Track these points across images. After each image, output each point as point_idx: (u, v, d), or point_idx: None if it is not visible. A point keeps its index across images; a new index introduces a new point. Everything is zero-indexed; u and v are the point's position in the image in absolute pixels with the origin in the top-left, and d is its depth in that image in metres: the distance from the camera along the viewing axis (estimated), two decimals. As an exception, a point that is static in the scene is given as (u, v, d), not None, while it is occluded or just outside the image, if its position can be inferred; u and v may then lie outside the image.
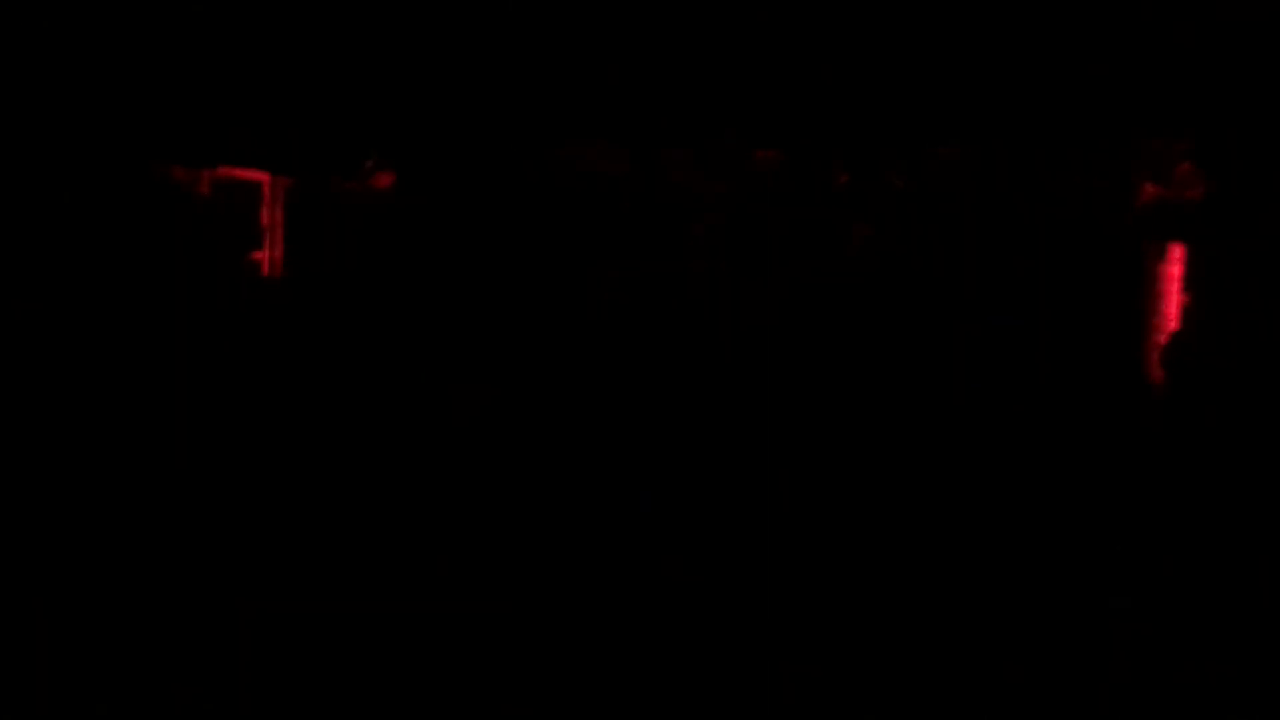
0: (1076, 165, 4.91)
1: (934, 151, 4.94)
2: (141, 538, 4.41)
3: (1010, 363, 4.86)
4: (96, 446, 4.66)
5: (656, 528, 4.50)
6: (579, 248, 5.00)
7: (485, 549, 4.42)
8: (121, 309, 4.91)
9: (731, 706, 3.69)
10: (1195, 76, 4.80)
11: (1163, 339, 4.83)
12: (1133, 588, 4.29)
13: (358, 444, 4.79)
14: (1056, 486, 4.63)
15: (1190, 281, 4.80)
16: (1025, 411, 4.80)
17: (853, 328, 4.91)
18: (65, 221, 4.92)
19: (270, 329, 4.99)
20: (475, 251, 5.02)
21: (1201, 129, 4.83)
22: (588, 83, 4.94)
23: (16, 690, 3.61)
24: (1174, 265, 4.81)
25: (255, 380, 4.90)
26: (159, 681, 3.72)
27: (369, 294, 5.00)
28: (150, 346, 4.90)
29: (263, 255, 5.02)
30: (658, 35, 4.91)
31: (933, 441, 4.78)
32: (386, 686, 3.70)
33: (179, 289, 4.93)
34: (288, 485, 4.66)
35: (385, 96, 4.99)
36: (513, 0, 4.95)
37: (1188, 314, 4.80)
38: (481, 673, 3.75)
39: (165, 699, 3.66)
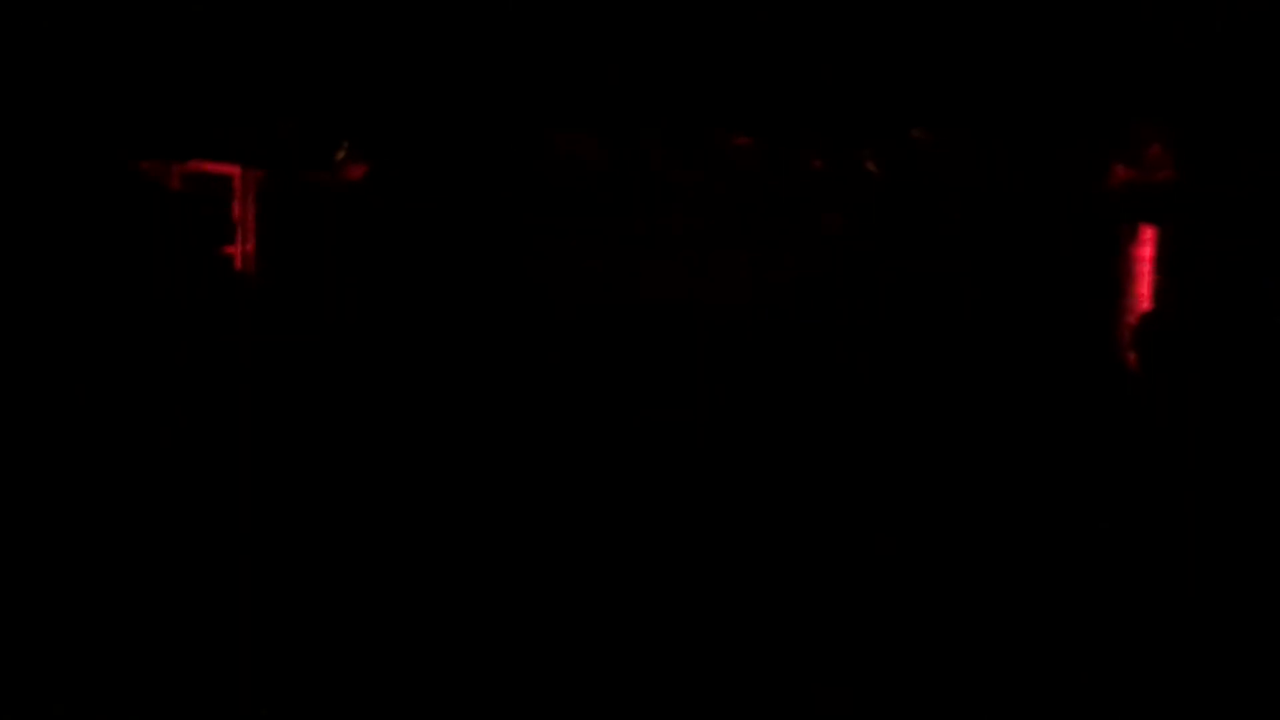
0: (1049, 148, 4.93)
1: (908, 136, 4.95)
2: (111, 537, 4.38)
3: (983, 345, 4.89)
4: (62, 445, 4.62)
5: (627, 523, 4.50)
6: (555, 238, 4.98)
7: (463, 549, 4.42)
8: (90, 305, 4.86)
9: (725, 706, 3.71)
10: (1166, 59, 4.83)
11: (1134, 320, 4.88)
12: (1109, 571, 4.34)
13: (333, 440, 4.77)
14: (1030, 468, 4.67)
15: (1161, 263, 4.84)
16: (999, 394, 4.83)
17: (830, 313, 4.93)
18: (30, 216, 4.85)
19: (243, 323, 4.95)
20: (450, 242, 4.99)
21: (1172, 111, 4.87)
22: (563, 72, 4.91)
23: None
24: (1145, 247, 4.86)
25: (228, 376, 4.86)
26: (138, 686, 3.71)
27: (343, 286, 4.96)
28: (120, 342, 4.85)
29: (235, 249, 4.97)
30: (633, 23, 4.88)
31: (908, 425, 4.80)
32: (382, 687, 3.70)
33: (149, 284, 4.88)
34: (261, 483, 4.64)
35: (357, 87, 4.94)
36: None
37: (1159, 295, 4.84)
38: (479, 673, 3.76)
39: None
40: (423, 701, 3.67)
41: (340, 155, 5.00)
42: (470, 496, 4.59)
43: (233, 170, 4.96)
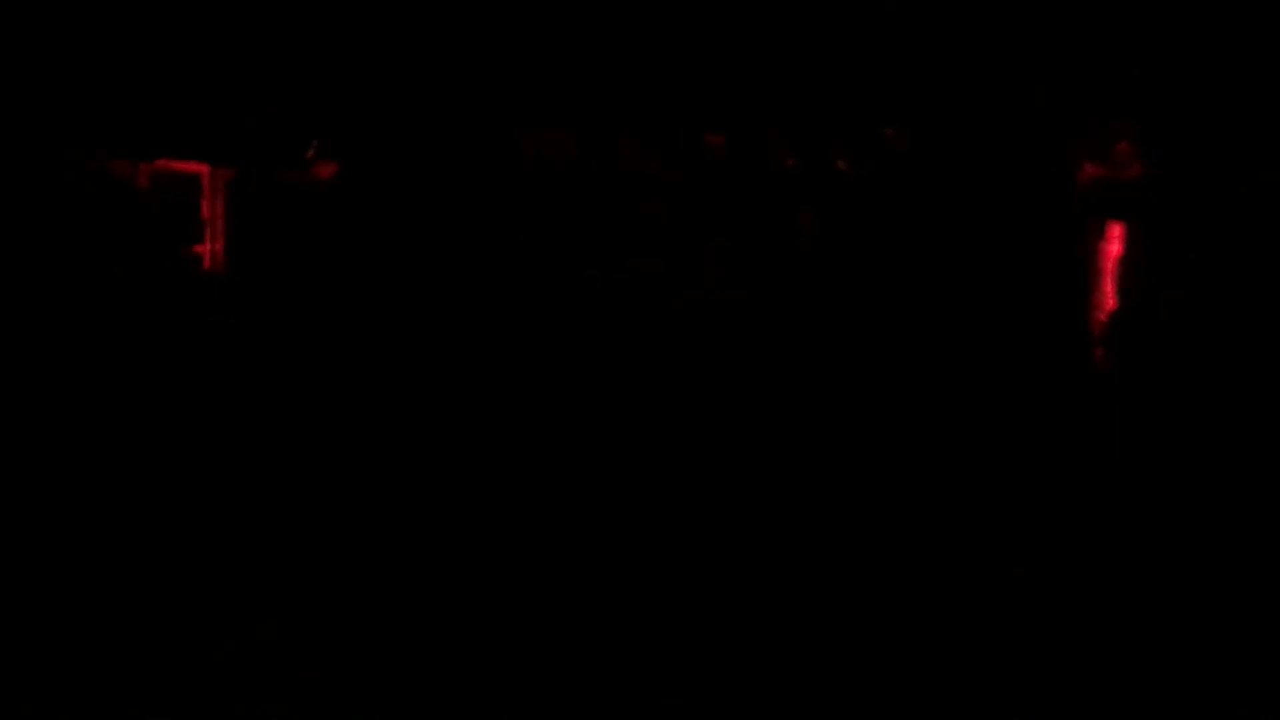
0: (1017, 145, 4.95)
1: (879, 134, 4.96)
2: (75, 536, 4.36)
3: (954, 342, 4.91)
4: (27, 445, 4.58)
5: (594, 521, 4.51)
6: (526, 235, 4.96)
7: (436, 546, 4.41)
8: (57, 305, 4.81)
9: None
10: (1133, 56, 4.86)
11: (1103, 316, 4.91)
12: (1073, 567, 4.37)
13: (303, 438, 4.75)
14: (999, 464, 4.70)
15: (1130, 260, 4.88)
16: (968, 390, 4.85)
17: (802, 310, 4.94)
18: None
19: (212, 322, 4.91)
20: (421, 240, 4.97)
21: (1139, 108, 4.90)
22: (534, 69, 4.89)
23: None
24: (1113, 243, 4.89)
25: (198, 375, 4.83)
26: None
27: (313, 285, 4.93)
28: (87, 342, 4.81)
29: (204, 248, 4.93)
30: (605, 20, 4.87)
31: (879, 420, 4.82)
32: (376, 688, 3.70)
33: (117, 283, 4.84)
34: (229, 480, 4.62)
35: (326, 84, 4.91)
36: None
37: (1127, 291, 4.88)
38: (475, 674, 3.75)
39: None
40: (406, 698, 3.67)
41: (310, 154, 4.96)
42: (443, 495, 4.58)
43: (201, 169, 4.92)
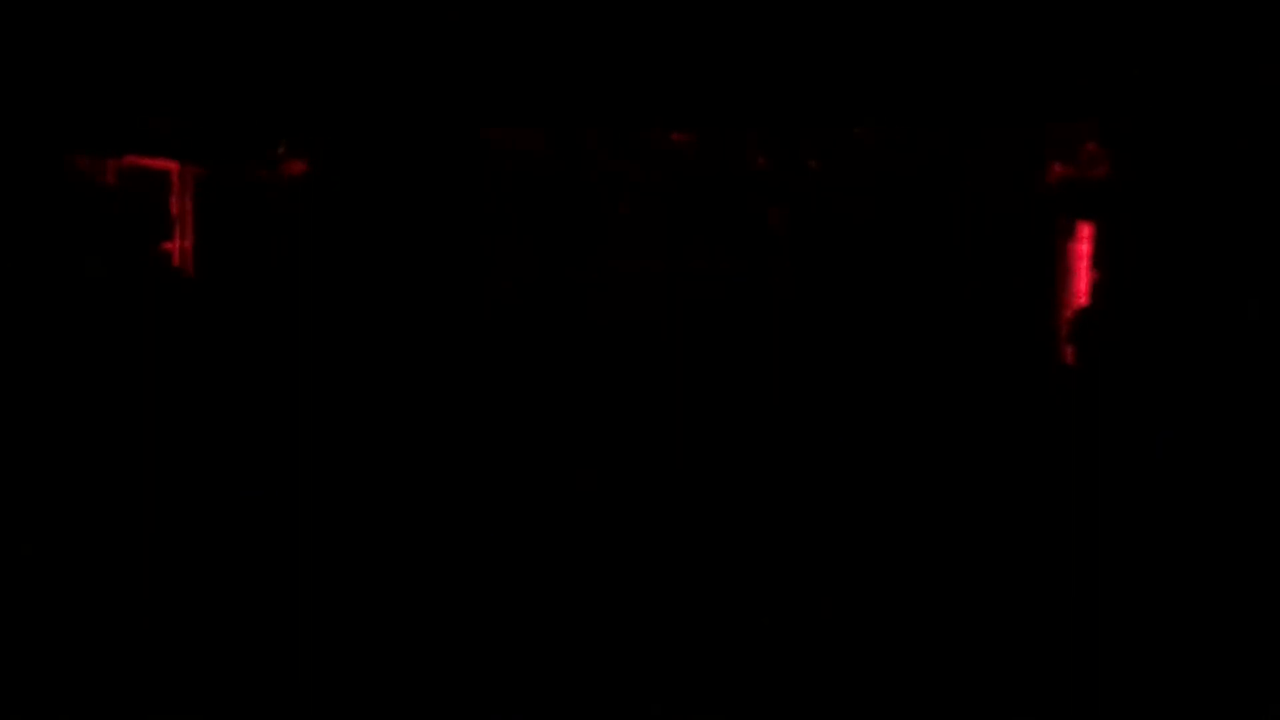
0: (987, 145, 4.98)
1: (848, 133, 4.98)
2: (45, 535, 4.31)
3: (923, 341, 4.93)
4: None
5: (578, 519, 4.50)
6: (497, 233, 4.96)
7: (410, 544, 4.39)
8: (24, 301, 4.77)
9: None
10: (1099, 57, 4.90)
11: (1071, 314, 4.94)
12: (1044, 563, 4.39)
13: (271, 434, 4.72)
14: (968, 462, 4.72)
15: (1098, 258, 4.91)
16: (938, 388, 4.87)
17: (771, 310, 4.95)
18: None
19: (182, 318, 4.88)
20: (392, 238, 4.95)
21: (1105, 109, 4.94)
22: (505, 68, 4.89)
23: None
24: (1082, 243, 4.93)
25: (167, 371, 4.79)
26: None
27: (283, 282, 4.91)
28: (56, 338, 4.76)
29: (173, 246, 4.90)
30: (575, 16, 4.87)
31: (849, 417, 4.83)
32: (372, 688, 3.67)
33: (86, 282, 4.80)
34: (197, 477, 4.59)
35: (296, 81, 4.88)
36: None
37: (1096, 290, 4.91)
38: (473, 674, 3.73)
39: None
40: (406, 698, 3.65)
41: (279, 151, 4.94)
42: (417, 491, 4.56)
43: (171, 166, 4.89)
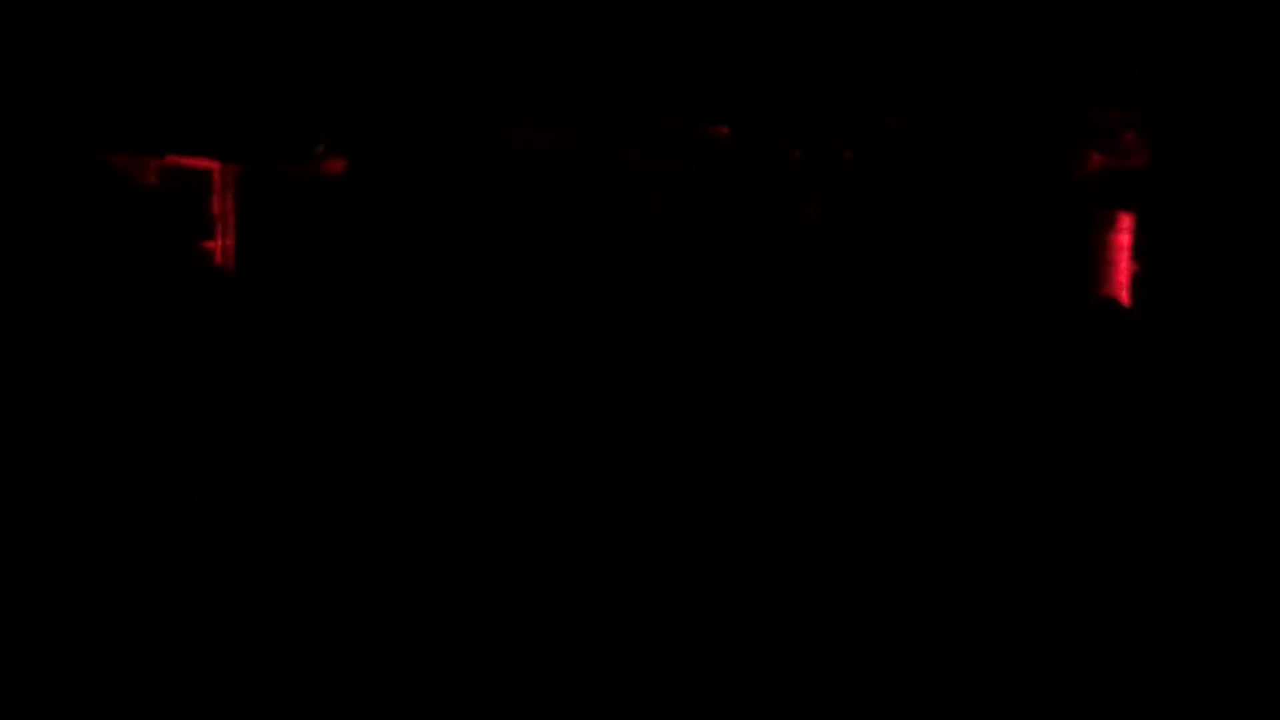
0: (1025, 135, 4.95)
1: (884, 124, 4.96)
2: (88, 534, 4.38)
3: (962, 333, 4.91)
4: (38, 445, 4.61)
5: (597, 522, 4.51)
6: (538, 230, 4.98)
7: (445, 544, 4.42)
8: (67, 302, 4.84)
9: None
10: (1138, 45, 4.85)
11: (1112, 306, 4.90)
12: (1078, 561, 4.36)
13: (313, 434, 4.77)
14: (1007, 457, 4.69)
15: (1139, 249, 4.87)
16: (977, 382, 4.85)
17: (808, 301, 4.94)
18: (2, 213, 4.84)
19: (224, 318, 4.94)
20: (431, 235, 4.99)
21: (1144, 97, 4.89)
22: (543, 62, 4.91)
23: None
24: (1123, 234, 4.88)
25: (209, 371, 4.86)
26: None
27: (325, 280, 4.96)
28: (99, 339, 4.84)
29: (214, 244, 4.96)
30: (609, 13, 4.88)
31: (885, 413, 4.82)
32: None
33: (128, 280, 4.87)
34: (241, 477, 4.64)
35: (333, 79, 4.93)
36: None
37: (1136, 281, 4.87)
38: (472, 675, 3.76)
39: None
40: (406, 698, 3.68)
41: (319, 149, 4.99)
42: (451, 491, 4.59)
43: (211, 165, 4.95)
